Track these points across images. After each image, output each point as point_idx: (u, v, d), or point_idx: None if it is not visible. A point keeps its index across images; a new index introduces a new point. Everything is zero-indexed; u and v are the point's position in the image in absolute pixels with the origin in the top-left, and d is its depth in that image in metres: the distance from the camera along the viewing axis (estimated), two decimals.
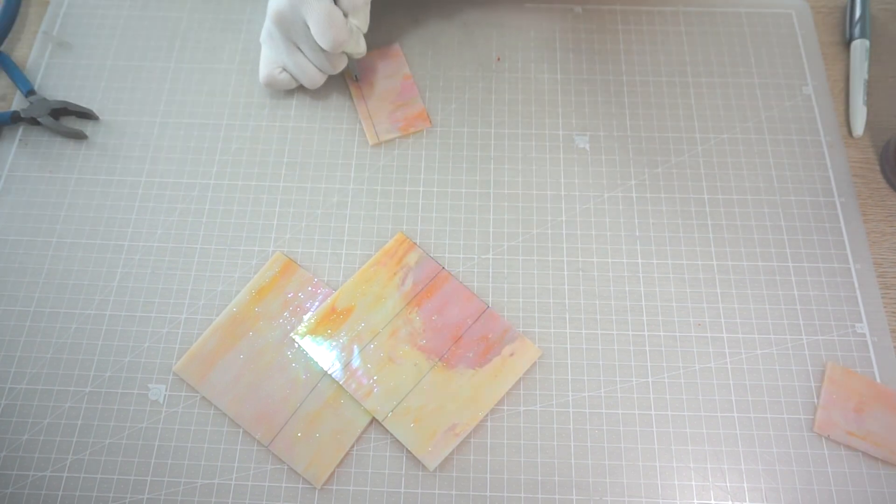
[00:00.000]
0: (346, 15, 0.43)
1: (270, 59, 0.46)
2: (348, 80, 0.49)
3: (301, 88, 0.49)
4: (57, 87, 0.50)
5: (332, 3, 0.42)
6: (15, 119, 0.47)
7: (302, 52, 0.45)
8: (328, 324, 0.41)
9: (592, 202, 0.46)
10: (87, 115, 0.48)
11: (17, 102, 0.49)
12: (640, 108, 0.49)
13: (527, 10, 0.53)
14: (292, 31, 0.43)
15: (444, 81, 0.50)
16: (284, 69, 0.46)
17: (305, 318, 0.41)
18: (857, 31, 0.52)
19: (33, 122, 0.47)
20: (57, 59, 0.51)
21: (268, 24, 0.44)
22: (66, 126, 0.47)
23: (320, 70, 0.46)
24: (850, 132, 0.49)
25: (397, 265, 0.43)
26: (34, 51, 0.51)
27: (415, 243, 0.44)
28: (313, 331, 0.41)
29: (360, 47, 0.45)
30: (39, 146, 0.48)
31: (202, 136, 0.48)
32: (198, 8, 0.53)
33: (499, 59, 0.51)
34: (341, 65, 0.46)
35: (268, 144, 0.48)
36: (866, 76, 0.50)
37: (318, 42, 0.42)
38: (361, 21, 0.44)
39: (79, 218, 0.45)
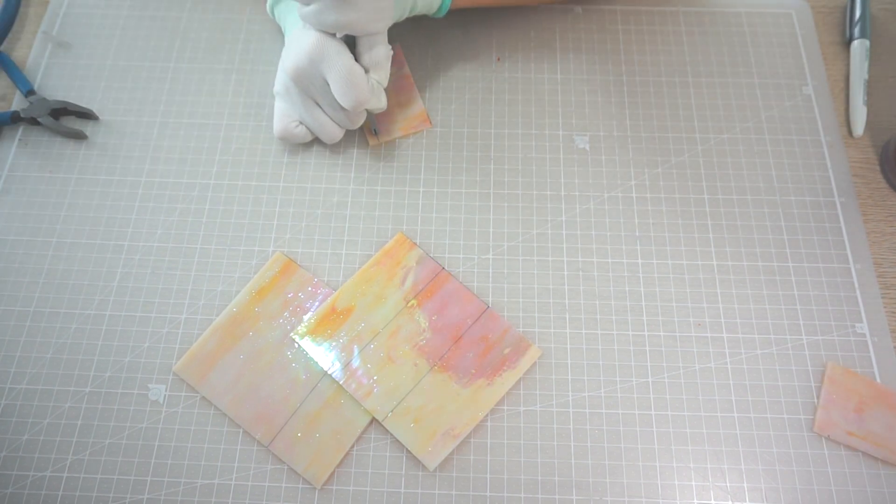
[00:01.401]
0: (366, 70, 0.42)
1: (286, 112, 0.44)
2: (367, 133, 0.48)
3: None
4: (57, 87, 0.50)
5: (353, 61, 0.40)
6: (15, 119, 0.47)
7: (320, 107, 0.43)
8: (328, 324, 0.41)
9: (592, 202, 0.46)
10: (87, 115, 0.48)
11: (17, 102, 0.49)
12: (640, 108, 0.49)
13: (527, 10, 0.53)
14: (311, 87, 0.41)
15: (444, 81, 0.50)
16: (301, 123, 0.44)
17: (305, 318, 0.41)
18: (857, 31, 0.52)
19: (33, 122, 0.47)
20: (57, 59, 0.51)
21: (284, 79, 0.42)
22: (66, 126, 0.47)
23: (339, 126, 0.44)
24: (850, 132, 0.49)
25: (397, 265, 0.43)
26: (34, 51, 0.51)
27: (415, 243, 0.44)
28: (313, 331, 0.41)
29: (381, 103, 0.43)
30: (39, 146, 0.48)
31: (202, 136, 0.48)
32: (198, 8, 0.53)
33: (499, 59, 0.51)
34: (360, 120, 0.44)
35: (268, 144, 0.48)
36: (866, 76, 0.50)
37: (340, 101, 0.41)
38: (382, 76, 0.42)
39: (79, 218, 0.45)
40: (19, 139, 0.48)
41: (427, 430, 0.39)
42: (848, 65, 0.51)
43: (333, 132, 0.44)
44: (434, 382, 0.40)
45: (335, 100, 0.42)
